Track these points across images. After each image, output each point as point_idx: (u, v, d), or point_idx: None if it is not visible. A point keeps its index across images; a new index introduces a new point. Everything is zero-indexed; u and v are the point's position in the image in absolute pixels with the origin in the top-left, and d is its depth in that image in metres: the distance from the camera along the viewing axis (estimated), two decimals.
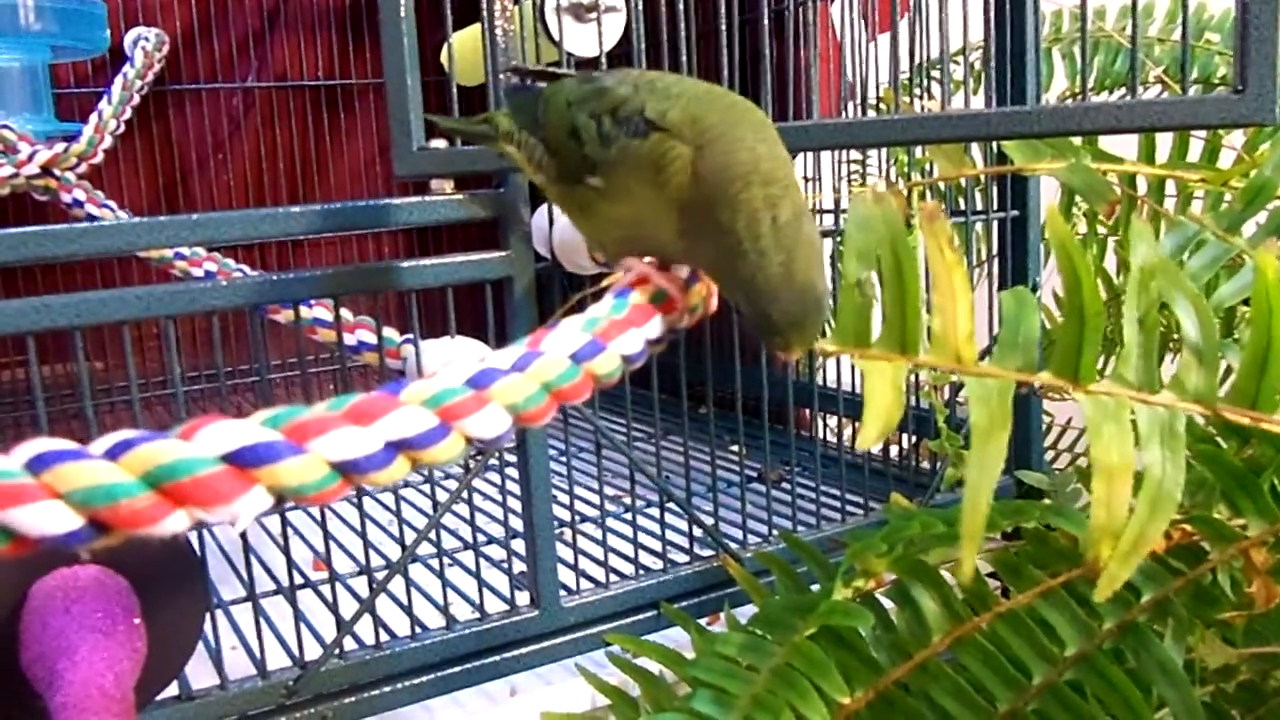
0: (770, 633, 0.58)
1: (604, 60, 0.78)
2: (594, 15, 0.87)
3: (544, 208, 0.87)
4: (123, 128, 1.16)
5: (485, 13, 0.70)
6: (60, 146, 1.06)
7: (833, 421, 1.19)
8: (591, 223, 0.54)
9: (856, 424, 1.08)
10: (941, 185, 0.99)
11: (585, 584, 0.83)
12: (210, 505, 0.34)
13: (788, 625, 0.58)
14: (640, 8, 0.73)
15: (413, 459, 0.38)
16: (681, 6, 0.72)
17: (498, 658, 0.77)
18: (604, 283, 0.52)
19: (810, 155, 1.12)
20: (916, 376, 1.00)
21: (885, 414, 0.46)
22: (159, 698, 0.67)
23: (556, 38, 0.84)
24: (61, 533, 0.33)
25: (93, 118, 1.12)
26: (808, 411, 1.26)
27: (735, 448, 1.17)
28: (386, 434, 0.37)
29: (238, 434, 0.35)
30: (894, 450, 1.07)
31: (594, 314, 0.48)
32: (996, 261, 1.00)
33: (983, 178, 0.95)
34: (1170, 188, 0.85)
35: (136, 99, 1.20)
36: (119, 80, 1.18)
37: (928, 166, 0.98)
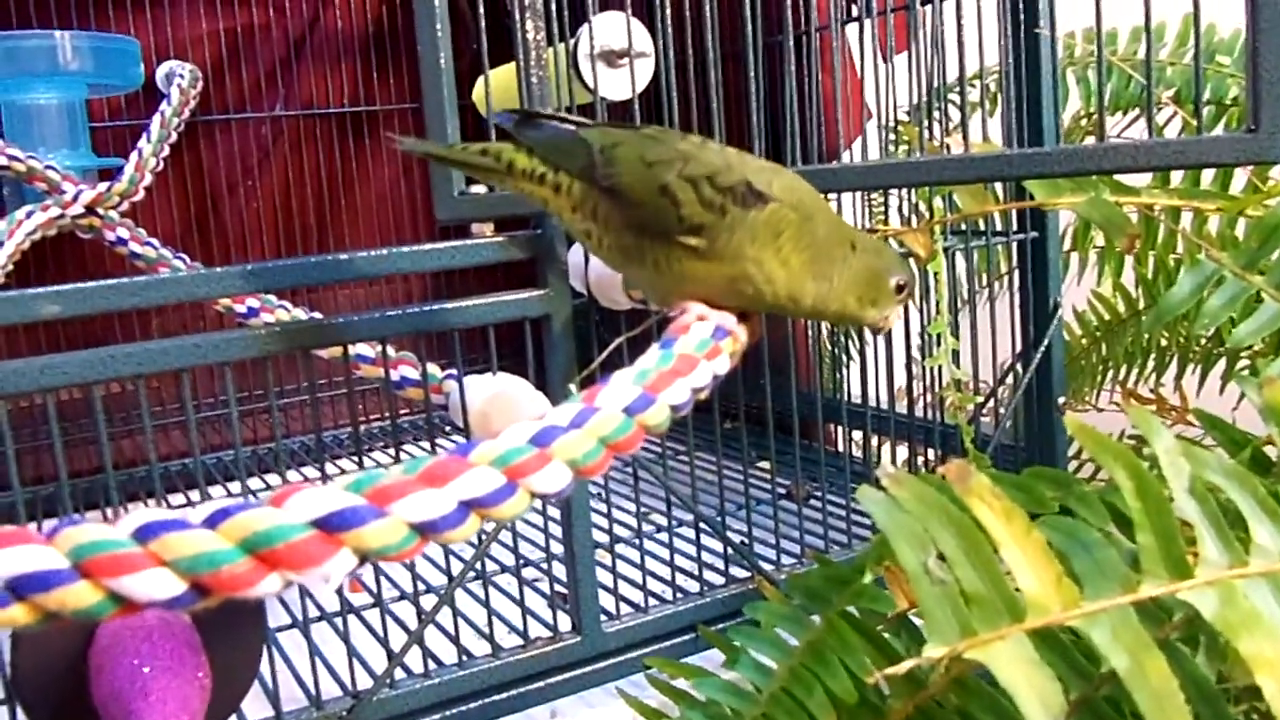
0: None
1: (636, 103, 0.80)
2: (625, 61, 0.90)
3: (578, 245, 0.89)
4: (161, 164, 1.18)
5: (521, 60, 0.72)
6: (103, 186, 1.09)
7: (859, 436, 1.21)
8: (663, 277, 0.58)
9: (884, 438, 1.11)
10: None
11: (625, 608, 0.85)
12: (302, 568, 0.36)
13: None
14: (670, 55, 0.76)
15: (483, 516, 0.41)
16: (710, 57, 0.75)
17: (542, 684, 0.80)
18: (679, 322, 0.57)
19: None
20: (942, 399, 1.02)
21: (1045, 700, 0.41)
22: None
23: (590, 83, 0.87)
24: (167, 598, 0.35)
25: (133, 156, 1.14)
26: (834, 427, 1.29)
27: (765, 465, 1.19)
28: (459, 494, 0.40)
29: (325, 500, 0.37)
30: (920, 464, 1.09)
31: (643, 366, 0.50)
32: (1018, 278, 1.02)
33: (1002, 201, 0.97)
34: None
35: (174, 135, 1.22)
36: (156, 119, 1.21)
37: (950, 192, 1.00)
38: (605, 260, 0.62)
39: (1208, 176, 0.93)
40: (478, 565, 0.80)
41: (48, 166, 1.08)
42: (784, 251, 0.56)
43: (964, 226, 1.02)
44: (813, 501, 1.10)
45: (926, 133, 0.83)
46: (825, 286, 0.58)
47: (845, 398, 1.26)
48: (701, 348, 0.53)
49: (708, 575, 0.89)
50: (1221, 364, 1.05)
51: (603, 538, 0.88)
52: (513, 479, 0.41)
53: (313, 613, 0.90)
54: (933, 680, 0.55)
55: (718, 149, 0.58)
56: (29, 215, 1.02)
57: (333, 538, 0.37)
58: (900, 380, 1.08)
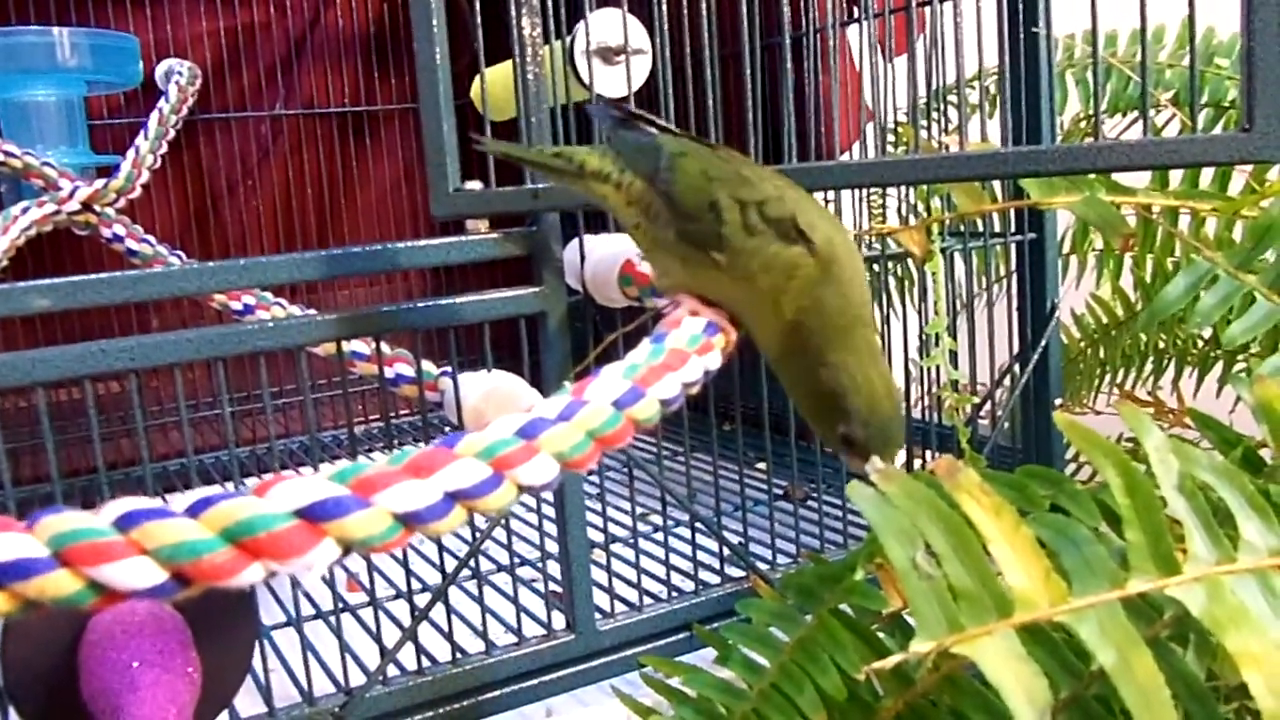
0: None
1: (632, 100, 0.80)
2: (621, 58, 0.90)
3: (574, 242, 0.89)
4: (159, 162, 1.18)
5: (518, 58, 0.72)
6: (100, 183, 1.09)
7: None
8: (686, 273, 0.58)
9: None
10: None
11: (620, 607, 0.85)
12: (284, 558, 0.36)
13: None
14: (667, 53, 0.76)
15: (469, 508, 0.41)
16: (707, 55, 0.74)
17: (536, 681, 0.80)
18: (671, 316, 0.57)
19: None
20: (939, 400, 1.02)
21: (1031, 696, 0.41)
22: None
23: (586, 80, 0.87)
24: (148, 587, 0.35)
25: (130, 153, 1.14)
26: None
27: (762, 465, 1.19)
28: (444, 485, 0.40)
29: (308, 490, 0.37)
30: (916, 466, 1.09)
31: (633, 360, 0.50)
32: (1015, 280, 1.02)
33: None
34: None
35: (172, 133, 1.22)
36: (154, 116, 1.21)
37: (948, 193, 1.00)
38: (638, 244, 0.62)
39: (1206, 178, 0.93)
40: (472, 563, 0.79)
41: (44, 163, 1.08)
42: (783, 298, 0.54)
43: (962, 228, 1.01)
44: (809, 502, 1.10)
45: (924, 133, 0.83)
46: (790, 363, 0.56)
47: None
48: (693, 343, 0.53)
49: (703, 575, 0.89)
50: (1219, 367, 1.04)
51: (598, 537, 0.88)
52: (499, 470, 0.41)
53: (306, 610, 0.90)
54: (922, 677, 0.55)
55: (777, 181, 0.58)
56: (25, 211, 1.02)
57: (316, 527, 0.37)
58: (898, 381, 1.08)
